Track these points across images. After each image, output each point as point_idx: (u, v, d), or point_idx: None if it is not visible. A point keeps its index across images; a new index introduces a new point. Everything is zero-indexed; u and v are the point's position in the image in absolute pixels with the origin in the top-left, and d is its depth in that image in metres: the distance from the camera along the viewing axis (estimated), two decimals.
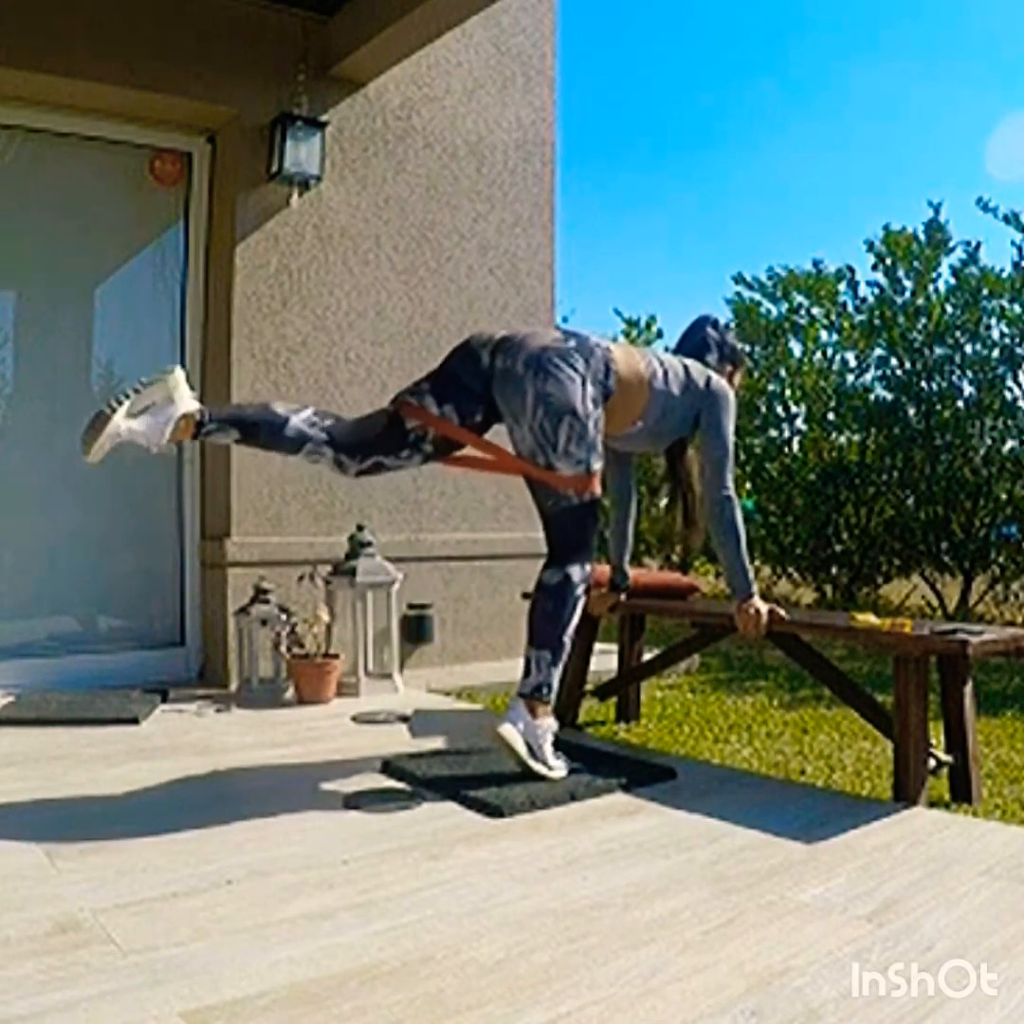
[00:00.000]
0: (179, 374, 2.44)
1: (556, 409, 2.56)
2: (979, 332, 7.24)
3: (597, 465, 2.63)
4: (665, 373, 2.82)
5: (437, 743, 3.06)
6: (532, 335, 2.69)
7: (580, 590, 2.65)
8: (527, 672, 2.60)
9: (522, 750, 2.54)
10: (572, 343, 2.66)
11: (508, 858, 2.06)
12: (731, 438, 2.90)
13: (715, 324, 3.15)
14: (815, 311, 8.24)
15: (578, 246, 29.92)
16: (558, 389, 2.56)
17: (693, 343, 3.11)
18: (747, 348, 8.48)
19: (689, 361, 2.94)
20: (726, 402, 2.91)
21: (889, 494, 7.72)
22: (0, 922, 1.69)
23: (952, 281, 7.38)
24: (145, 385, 2.41)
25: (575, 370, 2.60)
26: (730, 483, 2.86)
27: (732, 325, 8.53)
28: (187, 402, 2.43)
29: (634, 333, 10.36)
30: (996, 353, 7.18)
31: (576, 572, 2.64)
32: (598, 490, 2.66)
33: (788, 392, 8.29)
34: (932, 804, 2.54)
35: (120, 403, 2.36)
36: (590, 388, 2.61)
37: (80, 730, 3.19)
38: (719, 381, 2.94)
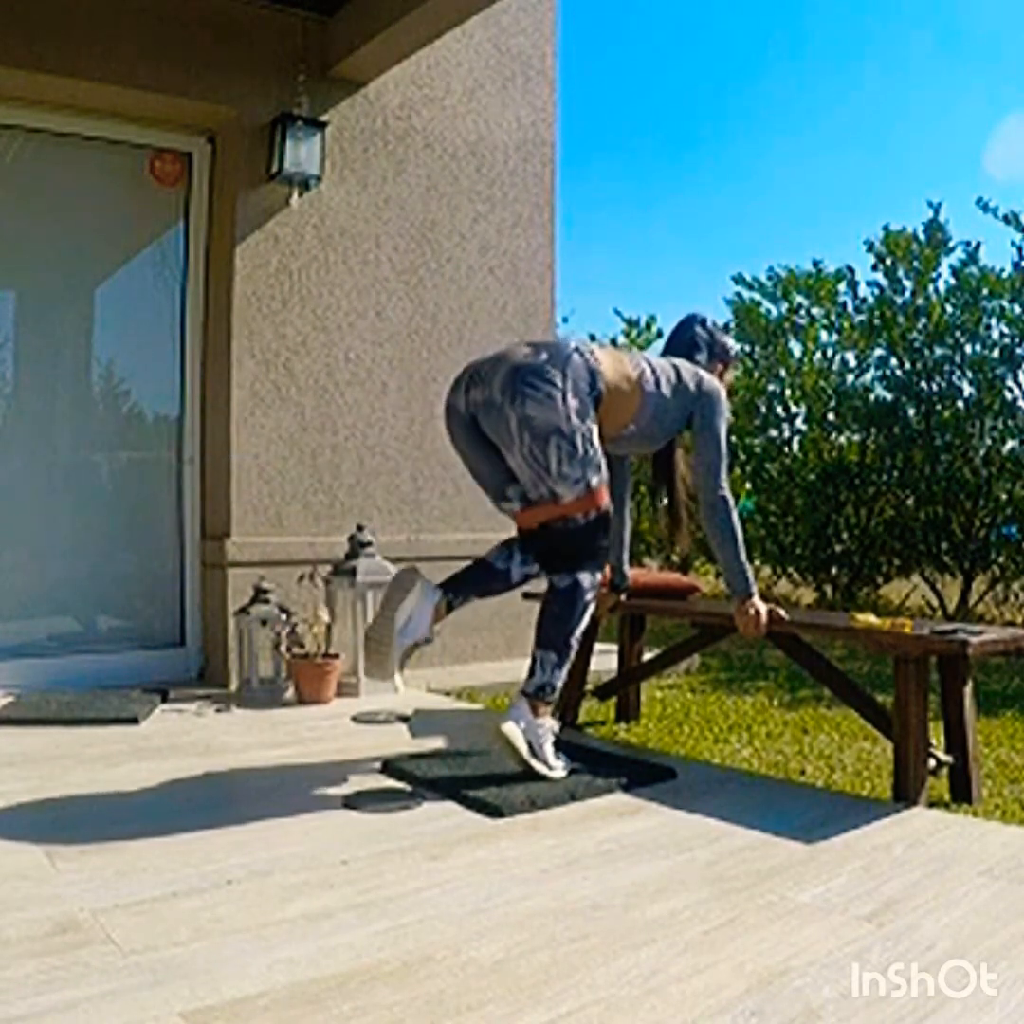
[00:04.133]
0: (417, 587, 2.61)
1: (540, 431, 2.53)
2: (979, 332, 7.24)
3: (597, 479, 2.60)
4: (656, 376, 2.79)
5: (437, 743, 3.06)
6: (502, 357, 2.65)
7: (589, 596, 2.65)
8: (532, 672, 2.61)
9: (523, 748, 2.54)
10: (544, 356, 2.60)
11: (508, 858, 2.06)
12: (724, 438, 2.88)
13: (703, 322, 3.13)
14: (815, 311, 8.24)
15: (578, 246, 29.93)
16: (538, 410, 2.53)
17: (682, 342, 3.09)
18: (747, 348, 8.48)
19: (679, 362, 2.92)
20: (719, 402, 2.89)
21: (889, 494, 7.72)
22: (0, 922, 1.69)
23: (952, 281, 7.37)
24: (393, 610, 2.58)
25: (553, 385, 2.55)
26: (725, 483, 2.85)
27: (731, 325, 8.55)
28: (429, 598, 2.63)
29: (634, 333, 10.35)
30: (996, 353, 7.18)
31: (586, 578, 2.64)
32: (604, 504, 2.64)
33: (788, 392, 8.28)
34: (932, 804, 2.54)
35: (388, 642, 2.56)
36: (572, 401, 2.56)
37: (80, 730, 3.19)
38: (711, 381, 2.92)
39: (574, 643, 2.63)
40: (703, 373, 2.93)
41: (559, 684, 2.62)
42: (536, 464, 2.56)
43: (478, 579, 2.74)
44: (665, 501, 3.10)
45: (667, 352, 3.09)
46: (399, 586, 2.61)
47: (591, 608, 2.67)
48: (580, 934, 1.69)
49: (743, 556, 2.85)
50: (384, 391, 4.44)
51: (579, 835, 2.21)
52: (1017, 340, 7.07)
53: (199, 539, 4.26)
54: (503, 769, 2.59)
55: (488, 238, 4.73)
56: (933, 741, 2.59)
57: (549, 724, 2.62)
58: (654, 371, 2.81)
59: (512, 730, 2.54)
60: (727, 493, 2.84)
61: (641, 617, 3.66)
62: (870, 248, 7.73)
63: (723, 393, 2.93)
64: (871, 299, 7.86)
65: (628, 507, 3.26)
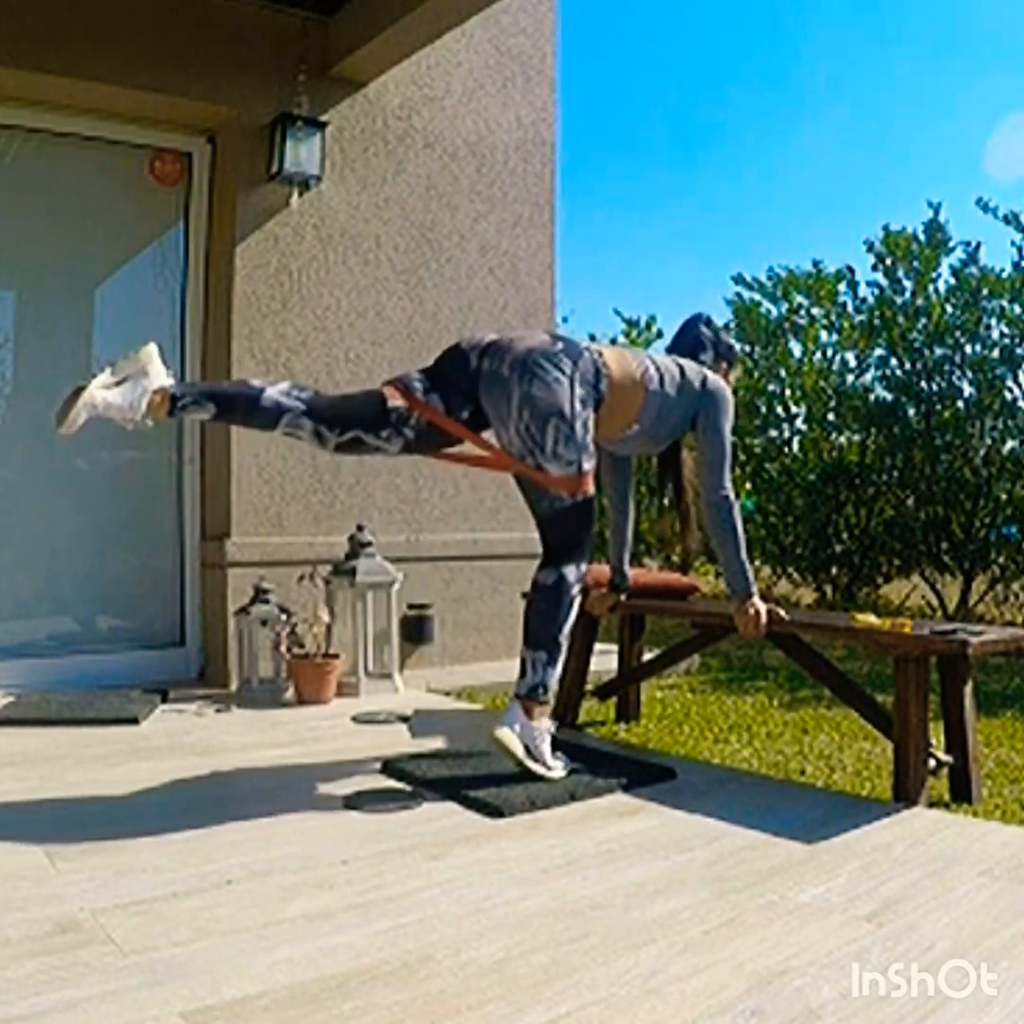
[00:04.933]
0: (152, 348, 2.42)
1: (542, 411, 2.55)
2: (979, 332, 7.24)
3: (588, 465, 2.61)
4: (660, 375, 2.79)
5: (437, 743, 3.06)
6: (520, 338, 2.68)
7: (575, 590, 2.64)
8: (523, 673, 2.60)
9: (519, 752, 2.54)
10: (560, 345, 2.65)
11: (508, 858, 2.06)
12: (728, 438, 2.88)
13: (708, 322, 3.12)
14: (815, 311, 8.24)
15: (578, 246, 29.95)
16: (544, 391, 2.55)
17: (687, 342, 3.09)
18: (747, 348, 8.48)
19: (683, 361, 2.92)
20: (723, 402, 2.89)
21: (889, 494, 7.72)
22: (0, 922, 1.69)
23: (952, 281, 7.37)
24: (120, 361, 2.40)
25: (562, 371, 2.58)
26: (728, 483, 2.85)
27: (731, 325, 8.55)
28: (161, 377, 2.41)
29: (634, 333, 10.35)
30: (996, 353, 7.18)
31: (571, 572, 2.63)
32: (591, 490, 2.64)
33: (788, 392, 8.29)
34: (932, 804, 2.54)
35: (94, 376, 2.35)
36: (578, 389, 2.59)
37: (80, 730, 3.19)
38: (716, 380, 2.92)
39: (564, 640, 2.62)
40: (708, 372, 2.93)
41: (552, 683, 2.61)
42: (530, 441, 2.57)
43: (225, 390, 2.53)
44: (667, 501, 3.09)
45: (672, 352, 3.09)
46: (131, 352, 2.41)
47: (577, 602, 2.66)
48: (580, 934, 1.69)
49: (744, 556, 2.84)
50: None
51: (579, 835, 2.21)
52: (1017, 340, 7.07)
53: (199, 539, 4.26)
54: (503, 769, 2.59)
55: (488, 238, 4.73)
56: (933, 741, 2.59)
57: (545, 725, 2.61)
58: (658, 369, 2.80)
59: (507, 735, 2.54)
60: (730, 493, 2.84)
61: (641, 617, 3.66)
62: (870, 248, 7.73)
63: (728, 392, 2.93)
64: (871, 299, 7.86)
65: (630, 506, 3.25)
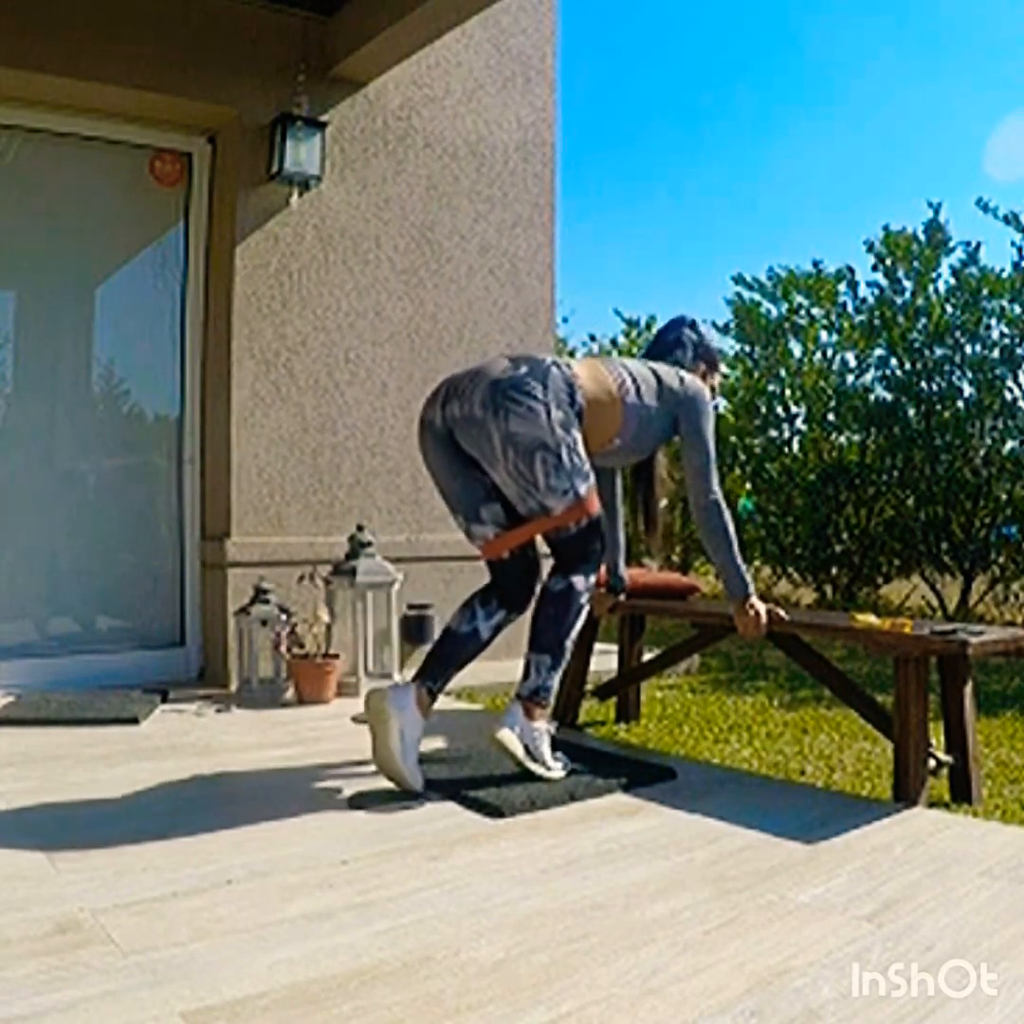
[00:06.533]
0: (386, 708, 2.49)
1: (525, 447, 2.50)
2: (979, 332, 7.24)
3: (585, 487, 2.57)
4: (636, 385, 2.74)
5: (437, 743, 3.06)
6: (480, 371, 2.62)
7: (584, 599, 2.64)
8: (526, 675, 2.61)
9: (519, 752, 2.54)
10: (524, 369, 2.57)
11: (508, 858, 2.06)
12: (712, 440, 2.83)
13: (693, 325, 3.08)
14: (815, 311, 8.24)
15: (578, 246, 29.98)
16: (521, 425, 2.50)
17: (665, 342, 3.05)
18: (747, 348, 8.47)
19: (658, 366, 2.86)
20: (703, 404, 2.83)
21: (889, 494, 7.72)
22: (0, 922, 1.69)
23: (952, 281, 7.38)
24: (385, 743, 2.49)
25: (535, 398, 2.52)
26: (716, 486, 2.81)
27: (731, 325, 8.54)
28: (402, 706, 2.50)
29: (634, 333, 10.36)
30: (996, 353, 7.18)
31: (580, 581, 2.63)
32: (595, 511, 2.62)
33: (788, 392, 8.29)
34: (932, 804, 2.54)
35: (401, 770, 2.48)
36: (556, 413, 2.53)
37: (80, 730, 3.19)
38: (693, 382, 2.86)
39: (569, 645, 2.62)
40: (685, 374, 2.88)
41: (554, 686, 2.62)
42: (522, 479, 2.53)
43: (449, 653, 2.63)
44: (632, 503, 3.08)
45: (651, 351, 3.06)
46: (373, 715, 2.51)
47: (585, 610, 2.66)
48: (580, 934, 1.69)
49: (739, 558, 2.82)
50: (384, 391, 4.44)
51: (579, 835, 2.21)
52: (1017, 340, 7.07)
53: (199, 539, 4.26)
54: (503, 769, 2.59)
55: (488, 238, 4.73)
56: (933, 741, 2.59)
57: (544, 727, 2.62)
58: (634, 380, 2.75)
59: (507, 736, 2.54)
60: (719, 496, 2.80)
61: (641, 617, 3.66)
62: (870, 248, 7.73)
63: (707, 393, 2.88)
64: (871, 299, 7.86)
65: (620, 511, 3.24)
